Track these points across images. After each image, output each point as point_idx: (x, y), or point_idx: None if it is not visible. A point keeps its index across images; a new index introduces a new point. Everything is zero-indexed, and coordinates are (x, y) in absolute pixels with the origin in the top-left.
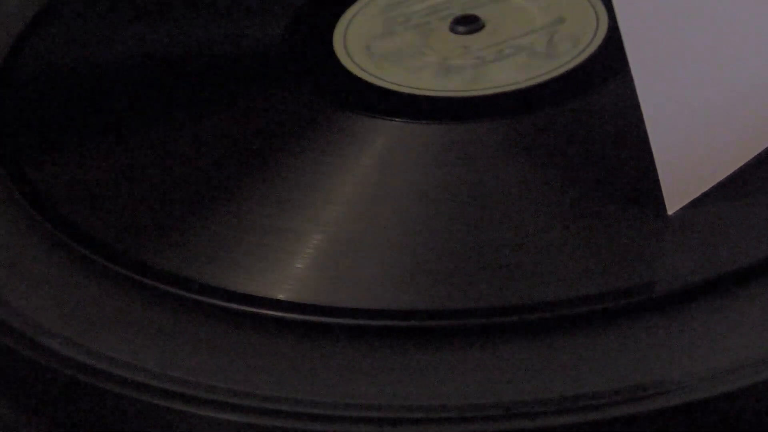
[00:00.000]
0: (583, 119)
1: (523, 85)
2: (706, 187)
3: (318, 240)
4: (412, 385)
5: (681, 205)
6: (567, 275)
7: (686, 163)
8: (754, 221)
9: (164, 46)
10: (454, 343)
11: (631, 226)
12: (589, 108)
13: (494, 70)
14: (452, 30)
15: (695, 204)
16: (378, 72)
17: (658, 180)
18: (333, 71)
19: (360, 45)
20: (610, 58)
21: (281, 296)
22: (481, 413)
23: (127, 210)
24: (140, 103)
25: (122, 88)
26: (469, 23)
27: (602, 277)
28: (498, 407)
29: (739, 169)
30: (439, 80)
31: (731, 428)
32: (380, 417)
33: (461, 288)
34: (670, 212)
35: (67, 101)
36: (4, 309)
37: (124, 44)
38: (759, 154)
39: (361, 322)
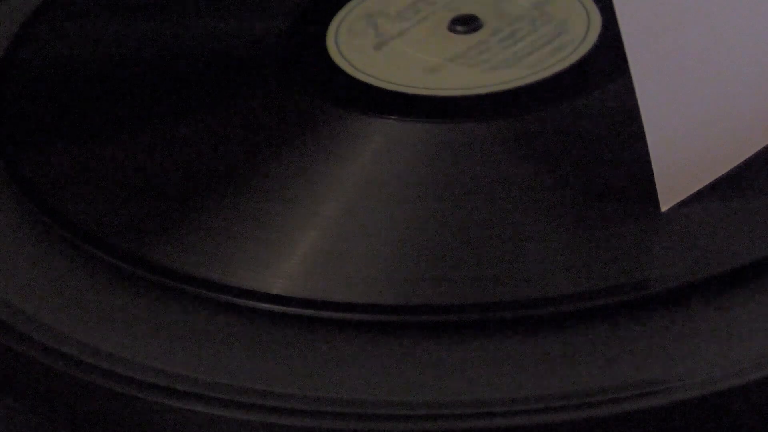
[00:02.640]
0: (579, 119)
1: (519, 84)
2: (700, 185)
3: (315, 236)
4: (406, 380)
5: (674, 202)
6: (564, 272)
7: (682, 160)
8: (749, 221)
9: (163, 45)
10: (448, 340)
11: (627, 224)
12: (586, 107)
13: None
14: (450, 29)
15: (692, 202)
16: (372, 71)
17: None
18: (330, 70)
19: (352, 44)
20: (607, 58)
21: (278, 291)
22: (475, 410)
23: (124, 205)
24: (138, 101)
25: (120, 85)
26: (467, 23)
27: (597, 274)
28: (494, 404)
29: (735, 167)
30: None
31: (726, 427)
32: (374, 413)
33: (456, 284)
34: (663, 208)
35: (67, 97)
36: (4, 308)
37: (122, 42)
38: (755, 154)
39: (358, 316)
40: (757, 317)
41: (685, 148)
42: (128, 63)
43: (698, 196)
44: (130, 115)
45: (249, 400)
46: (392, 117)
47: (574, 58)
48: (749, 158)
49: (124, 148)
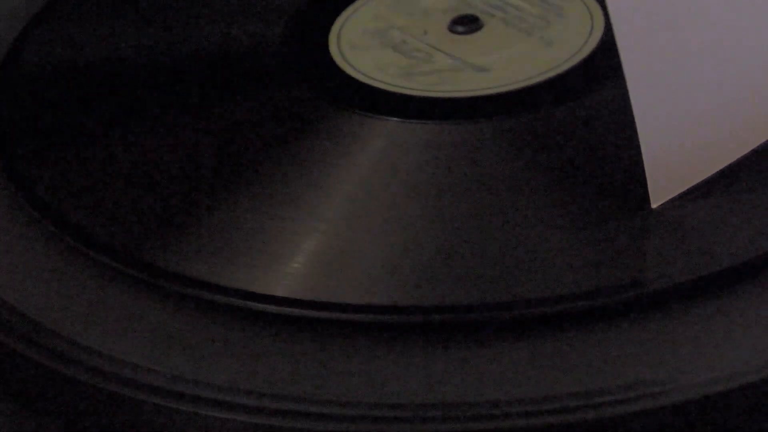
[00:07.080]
0: (578, 119)
1: (519, 86)
2: (691, 183)
3: (316, 238)
4: (405, 381)
5: (665, 200)
6: (562, 272)
7: (673, 157)
8: (746, 219)
9: (163, 46)
10: (448, 340)
11: (625, 224)
12: (585, 108)
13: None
14: (450, 29)
15: (688, 201)
16: (372, 72)
17: None
18: (330, 71)
19: (353, 44)
20: (606, 60)
21: (278, 292)
22: (474, 411)
23: (125, 207)
24: (139, 103)
25: (121, 87)
26: (467, 23)
27: (595, 274)
28: (492, 405)
29: (729, 166)
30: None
31: (725, 427)
32: (374, 414)
33: (456, 285)
34: (653, 206)
35: (67, 100)
36: (5, 308)
37: (122, 44)
38: (747, 153)
39: (357, 317)
40: (756, 316)
41: (676, 145)
42: (128, 65)
43: (695, 195)
44: (131, 116)
45: (249, 402)
46: (392, 117)
47: (577, 58)
48: (743, 156)
49: (125, 150)
